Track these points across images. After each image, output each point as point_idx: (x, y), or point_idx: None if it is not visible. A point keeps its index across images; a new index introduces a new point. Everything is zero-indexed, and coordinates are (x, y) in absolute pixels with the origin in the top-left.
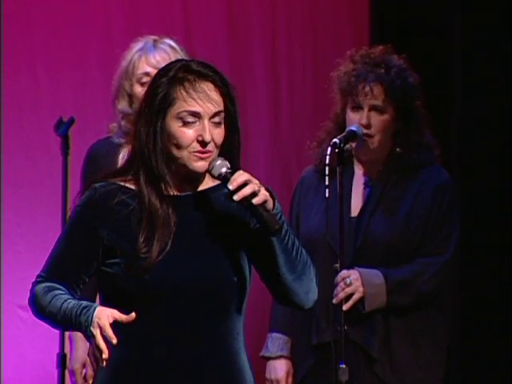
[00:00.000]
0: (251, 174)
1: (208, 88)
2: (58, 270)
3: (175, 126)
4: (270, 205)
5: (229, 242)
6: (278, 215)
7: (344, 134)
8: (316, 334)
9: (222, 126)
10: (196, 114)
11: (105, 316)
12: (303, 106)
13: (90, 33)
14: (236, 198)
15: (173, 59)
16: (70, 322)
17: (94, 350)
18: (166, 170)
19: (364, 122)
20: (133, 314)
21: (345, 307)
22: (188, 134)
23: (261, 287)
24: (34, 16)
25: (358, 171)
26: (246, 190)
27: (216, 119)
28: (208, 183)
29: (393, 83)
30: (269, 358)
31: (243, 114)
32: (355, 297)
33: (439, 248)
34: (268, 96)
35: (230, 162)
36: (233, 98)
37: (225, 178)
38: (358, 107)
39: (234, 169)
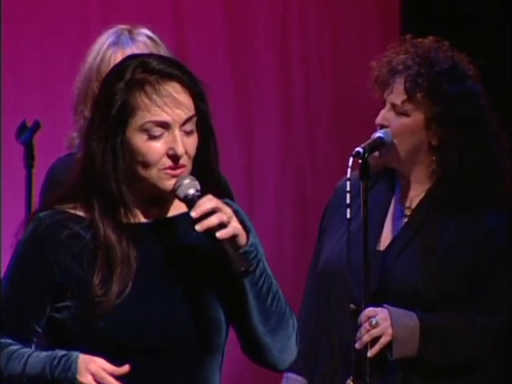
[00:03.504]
0: (235, 207)
1: (175, 90)
2: (4, 322)
3: (139, 141)
4: (241, 241)
5: (199, 281)
6: (252, 254)
7: (369, 141)
8: None
9: (195, 133)
10: (164, 125)
11: (93, 363)
12: (322, 103)
13: (61, 25)
14: (198, 228)
15: None
16: (43, 379)
17: None
18: (128, 194)
19: (377, 120)
20: (126, 367)
21: (370, 353)
22: (156, 148)
23: None
24: None
25: (400, 194)
26: (212, 220)
27: (187, 127)
28: (180, 207)
29: (423, 84)
30: None
31: (246, 112)
32: (383, 340)
33: (488, 306)
34: (277, 92)
35: (207, 175)
36: (204, 98)
37: (191, 202)
38: (385, 103)
39: (212, 184)
